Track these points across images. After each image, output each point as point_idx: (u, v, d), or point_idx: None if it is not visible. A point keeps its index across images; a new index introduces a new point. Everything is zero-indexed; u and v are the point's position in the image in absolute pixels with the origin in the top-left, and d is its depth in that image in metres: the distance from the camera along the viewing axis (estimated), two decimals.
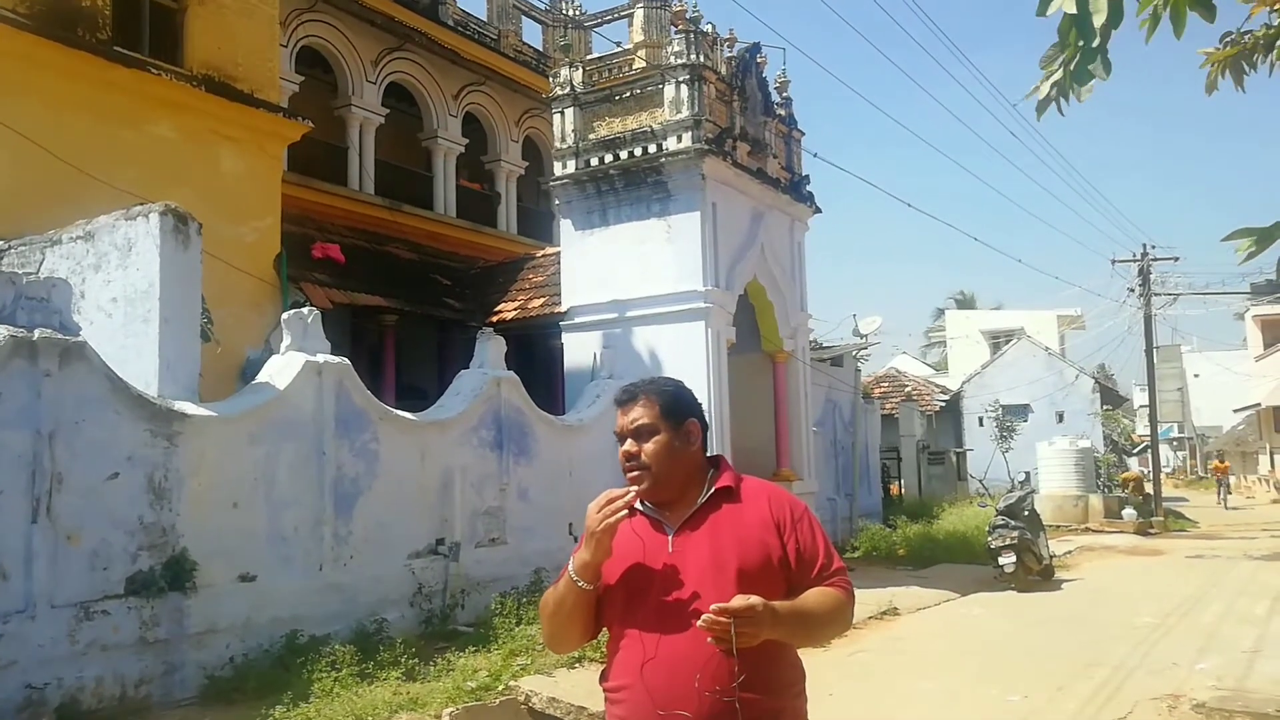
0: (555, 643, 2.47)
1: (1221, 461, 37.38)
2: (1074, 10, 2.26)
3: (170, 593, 6.71)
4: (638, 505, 2.30)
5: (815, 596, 2.25)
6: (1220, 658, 8.31)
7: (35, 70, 9.16)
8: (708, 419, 2.47)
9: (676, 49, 12.54)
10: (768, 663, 2.17)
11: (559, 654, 2.15)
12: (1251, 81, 3.87)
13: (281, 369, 8.00)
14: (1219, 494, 32.56)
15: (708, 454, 2.42)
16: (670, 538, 2.27)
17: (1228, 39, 3.65)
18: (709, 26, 13.16)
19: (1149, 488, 24.14)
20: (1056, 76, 2.53)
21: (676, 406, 2.36)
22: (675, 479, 2.32)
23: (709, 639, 2.03)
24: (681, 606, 2.17)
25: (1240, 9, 3.70)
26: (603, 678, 2.34)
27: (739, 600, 2.04)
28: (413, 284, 14.54)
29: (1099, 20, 2.23)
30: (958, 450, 28.27)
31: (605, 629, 2.35)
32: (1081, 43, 2.30)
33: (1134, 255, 25.86)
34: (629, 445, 2.31)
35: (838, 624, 2.32)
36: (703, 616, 2.03)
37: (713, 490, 2.33)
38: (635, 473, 2.30)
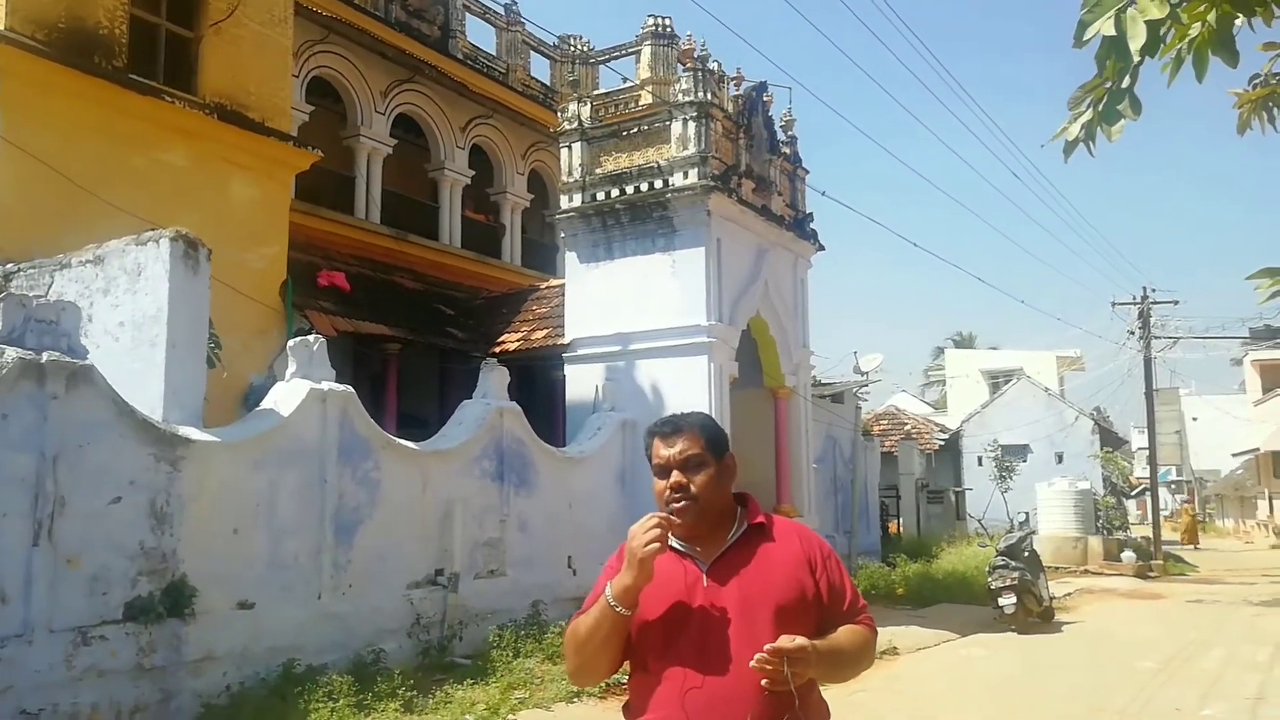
0: (582, 674, 2.40)
1: None
2: (1114, 33, 2.24)
3: (169, 619, 6.68)
4: (670, 541, 2.25)
5: (847, 634, 2.29)
6: (1224, 704, 8.26)
7: (50, 95, 9.23)
8: None
9: (684, 86, 12.66)
10: (806, 703, 2.16)
11: (583, 686, 2.05)
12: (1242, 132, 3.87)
13: (286, 396, 8.01)
14: None
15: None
16: (705, 573, 2.24)
17: (1256, 80, 3.66)
18: (716, 64, 13.30)
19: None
20: (1085, 117, 2.50)
21: (719, 440, 2.36)
22: (715, 513, 2.30)
23: (763, 680, 2.05)
24: (723, 644, 2.16)
25: (1259, 55, 3.73)
26: (629, 711, 2.29)
27: (790, 641, 2.05)
28: (417, 313, 14.59)
29: (1136, 45, 2.22)
30: (957, 489, 28.18)
31: (627, 662, 2.31)
32: (1120, 63, 2.27)
33: (1134, 298, 25.91)
34: (677, 477, 2.27)
35: (865, 661, 2.36)
36: (756, 657, 2.04)
37: (745, 527, 2.32)
38: (682, 504, 2.26)
